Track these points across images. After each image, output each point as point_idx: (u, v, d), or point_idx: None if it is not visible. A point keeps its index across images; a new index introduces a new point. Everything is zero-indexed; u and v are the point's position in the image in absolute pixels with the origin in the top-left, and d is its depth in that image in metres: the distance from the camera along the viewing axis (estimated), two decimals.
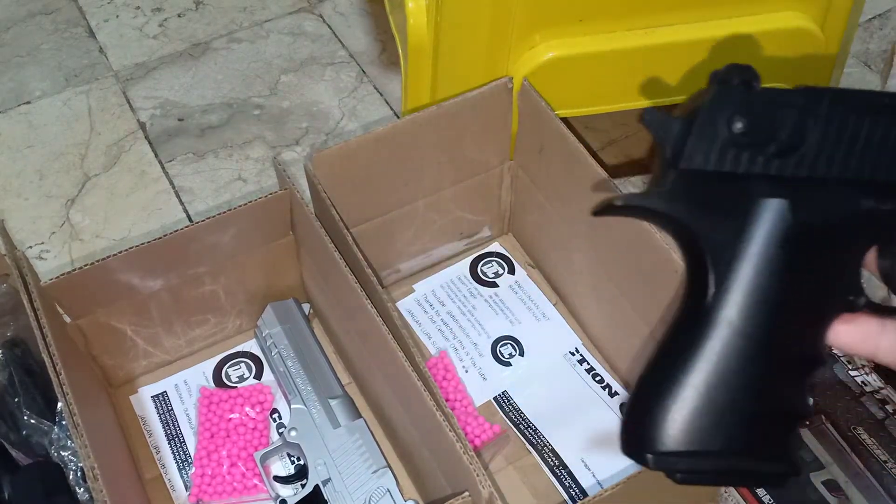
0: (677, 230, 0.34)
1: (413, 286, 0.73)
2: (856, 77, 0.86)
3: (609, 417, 0.65)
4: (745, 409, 0.33)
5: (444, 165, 0.64)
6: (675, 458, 0.32)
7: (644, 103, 0.67)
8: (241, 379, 0.66)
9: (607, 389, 0.66)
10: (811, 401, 0.34)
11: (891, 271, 0.34)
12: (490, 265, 0.74)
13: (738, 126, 0.31)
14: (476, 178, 0.67)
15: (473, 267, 0.74)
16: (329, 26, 0.93)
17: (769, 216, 0.32)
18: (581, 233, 0.64)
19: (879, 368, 0.64)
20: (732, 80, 0.32)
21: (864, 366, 0.65)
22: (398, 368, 0.48)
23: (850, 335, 0.34)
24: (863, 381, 0.64)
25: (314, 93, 0.88)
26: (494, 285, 0.73)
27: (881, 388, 0.64)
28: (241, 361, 0.66)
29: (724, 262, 0.32)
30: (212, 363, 0.67)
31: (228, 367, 0.66)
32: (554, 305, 0.72)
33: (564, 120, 0.63)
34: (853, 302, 0.33)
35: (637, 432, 0.34)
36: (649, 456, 0.33)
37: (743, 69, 0.32)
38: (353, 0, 0.96)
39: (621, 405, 0.65)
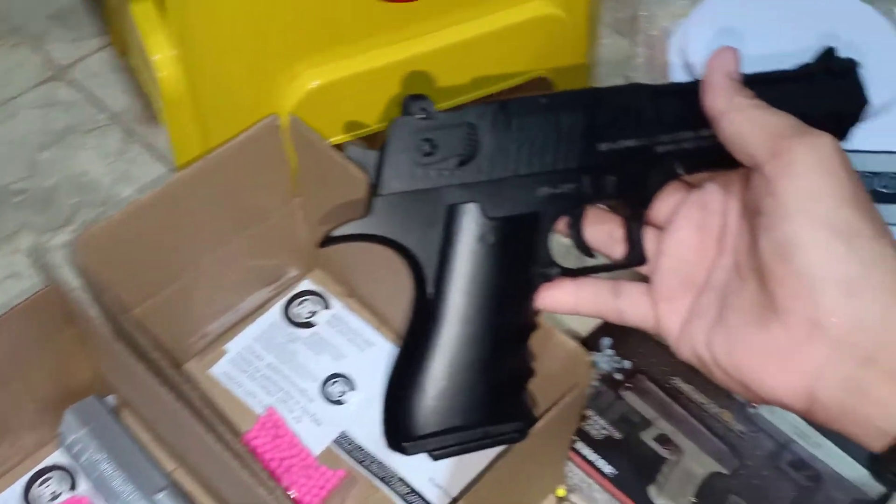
0: (392, 246, 0.39)
1: (225, 347, 0.69)
2: (610, 45, 0.90)
3: None
4: (479, 383, 0.38)
5: (225, 217, 0.61)
6: (426, 440, 0.38)
7: None
8: (55, 496, 0.59)
9: None
10: (532, 360, 0.40)
11: (577, 238, 0.41)
12: (303, 305, 0.72)
13: (423, 149, 0.37)
14: (264, 223, 0.64)
15: (286, 311, 0.71)
16: (83, 91, 0.87)
17: (463, 218, 0.38)
18: (380, 255, 0.63)
19: None
20: (411, 110, 0.38)
21: None
22: (210, 452, 0.45)
23: (553, 299, 0.41)
24: None
25: (79, 164, 0.81)
26: (311, 325, 0.70)
27: None
28: (51, 477, 0.60)
29: (435, 264, 0.38)
30: (19, 487, 0.60)
31: (38, 487, 0.60)
32: (377, 330, 0.70)
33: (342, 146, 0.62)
34: (548, 273, 0.39)
35: (392, 427, 0.40)
36: (405, 444, 0.39)
37: (417, 98, 0.38)
38: (104, 57, 0.90)
39: None
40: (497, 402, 0.39)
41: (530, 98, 0.39)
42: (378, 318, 0.70)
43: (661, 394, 0.64)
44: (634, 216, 0.40)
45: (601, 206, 0.42)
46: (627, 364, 0.65)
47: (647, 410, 0.63)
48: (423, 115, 0.37)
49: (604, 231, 0.42)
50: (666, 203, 0.41)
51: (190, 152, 0.63)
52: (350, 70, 0.62)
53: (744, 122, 0.36)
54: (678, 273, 0.39)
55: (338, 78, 0.62)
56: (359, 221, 0.38)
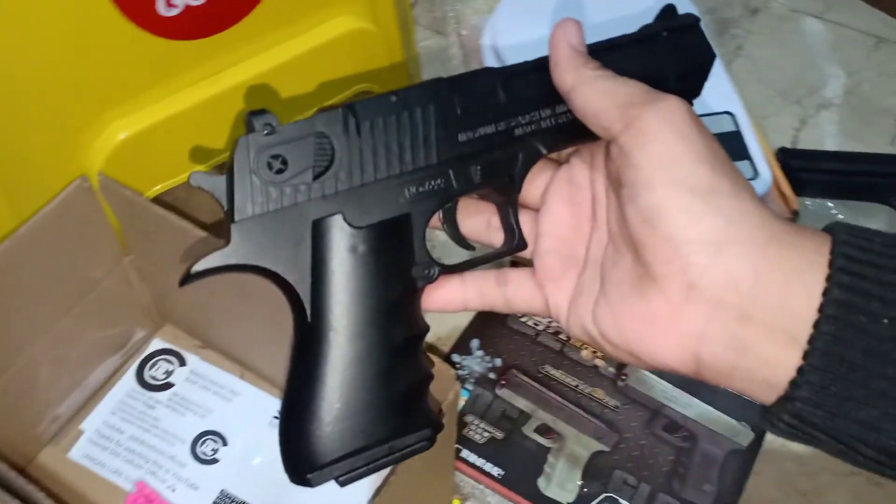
0: (260, 273, 0.36)
1: (81, 426, 0.64)
2: (432, 45, 0.90)
3: None
4: (377, 399, 0.36)
5: (52, 293, 0.57)
6: (332, 466, 0.36)
7: None
8: None
9: None
10: (430, 365, 0.38)
11: (453, 233, 0.40)
12: (157, 366, 0.68)
13: (273, 166, 0.35)
14: (96, 290, 0.60)
15: (140, 375, 0.67)
16: None
17: (330, 232, 0.36)
18: (231, 302, 0.60)
19: None
20: (255, 127, 0.35)
21: None
22: None
23: (440, 299, 0.39)
24: (534, 323, 0.68)
25: None
26: (169, 385, 0.67)
27: (550, 322, 0.68)
28: None
29: (308, 284, 0.36)
30: None
31: None
32: (240, 377, 0.67)
33: (163, 200, 0.58)
34: (429, 274, 0.38)
35: (292, 461, 0.37)
36: (309, 476, 0.36)
37: (259, 113, 0.35)
38: None
39: None
40: (399, 414, 0.37)
41: (379, 97, 0.37)
42: (240, 365, 0.67)
43: (535, 384, 0.64)
44: (508, 202, 0.39)
45: (472, 196, 0.40)
46: (498, 361, 0.66)
47: (524, 404, 0.63)
48: (268, 131, 0.35)
49: (481, 221, 0.41)
50: (536, 183, 0.40)
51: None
52: (160, 115, 0.59)
53: (593, 95, 0.35)
54: (558, 252, 0.39)
55: (148, 125, 0.58)
56: (219, 253, 0.35)
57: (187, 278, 0.36)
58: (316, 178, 0.35)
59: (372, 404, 0.36)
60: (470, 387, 0.64)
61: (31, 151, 0.56)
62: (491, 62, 0.64)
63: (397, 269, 0.37)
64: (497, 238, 0.41)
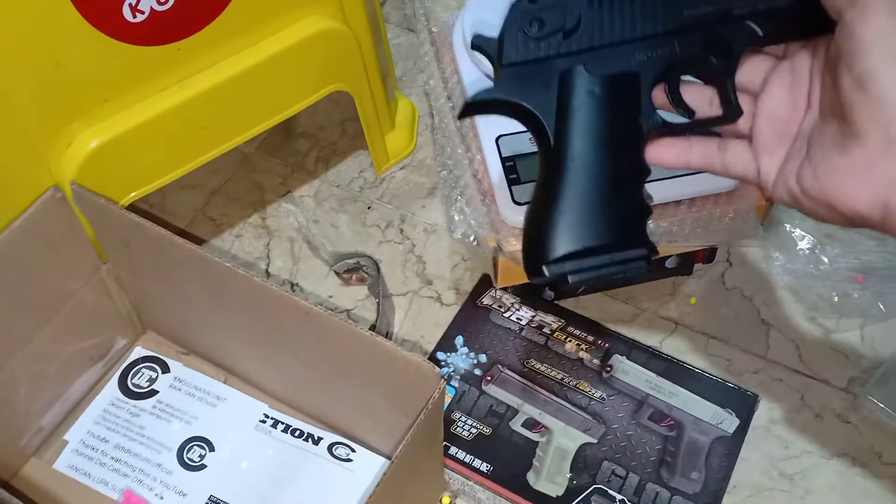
0: (515, 109, 0.44)
1: (65, 437, 0.64)
2: (404, 43, 0.89)
3: (322, 465, 0.62)
4: (604, 213, 0.43)
5: (27, 307, 0.56)
6: (563, 261, 0.43)
7: (216, 152, 0.64)
8: None
9: (310, 439, 0.64)
10: (650, 200, 0.45)
11: (677, 101, 0.45)
12: (140, 374, 0.67)
13: (533, 26, 0.43)
14: (72, 301, 0.60)
15: (123, 384, 0.67)
16: None
17: (574, 79, 0.44)
18: (211, 307, 0.60)
19: (525, 299, 0.68)
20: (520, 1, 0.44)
21: (512, 304, 0.68)
22: None
23: (670, 153, 0.46)
24: (517, 318, 0.68)
25: None
26: (154, 392, 0.66)
27: (533, 317, 0.68)
28: None
29: (553, 119, 0.44)
30: None
31: None
32: (224, 382, 0.67)
33: (138, 207, 0.58)
34: (653, 123, 0.44)
35: (531, 256, 0.44)
36: (544, 267, 0.43)
37: None
38: None
39: (329, 446, 0.63)
40: (621, 230, 0.44)
41: None
42: (223, 369, 0.67)
43: (521, 379, 0.64)
44: (727, 73, 0.45)
45: (696, 80, 0.47)
46: (483, 357, 0.65)
47: (510, 399, 0.63)
48: (530, 0, 0.44)
49: (704, 98, 0.46)
50: (757, 70, 0.45)
51: None
52: (131, 122, 0.58)
53: None
54: (774, 129, 0.44)
55: (119, 132, 0.58)
56: (489, 89, 0.44)
57: (465, 110, 0.44)
58: (565, 36, 0.44)
59: (599, 216, 0.43)
60: (455, 384, 0.64)
61: (1, 163, 0.55)
62: (463, 58, 0.63)
63: (626, 114, 0.44)
64: (718, 114, 0.46)
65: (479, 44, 0.45)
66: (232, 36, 0.59)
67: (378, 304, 0.70)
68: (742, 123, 0.46)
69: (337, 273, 0.73)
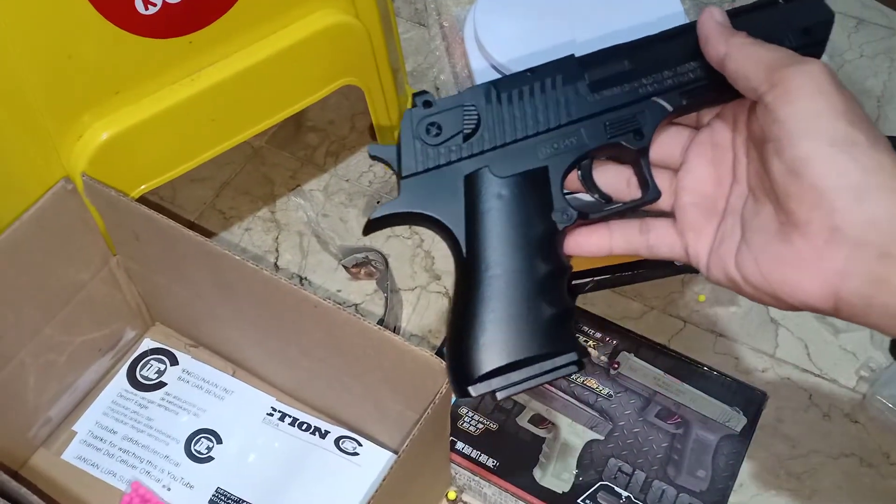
0: (423, 220, 0.44)
1: (73, 428, 0.64)
2: (415, 37, 0.89)
3: (329, 458, 0.62)
4: (527, 322, 0.42)
5: (37, 298, 0.56)
6: (489, 380, 0.42)
7: (227, 145, 0.64)
8: None
9: (317, 433, 0.64)
10: (572, 301, 0.45)
11: (591, 187, 0.45)
12: (149, 366, 0.67)
13: (431, 132, 0.43)
14: (82, 293, 0.60)
15: (131, 376, 0.67)
16: None
17: (479, 183, 0.43)
18: (220, 300, 0.60)
19: None
20: (415, 103, 0.44)
21: None
22: None
23: (590, 244, 0.45)
24: None
25: None
26: (162, 384, 0.66)
27: None
28: None
29: (462, 227, 0.43)
30: None
31: None
32: (233, 375, 0.67)
33: (149, 200, 0.58)
34: (567, 217, 0.43)
35: (455, 377, 0.44)
36: (469, 388, 0.43)
37: (419, 94, 0.44)
38: None
39: (336, 440, 0.63)
40: (547, 338, 0.42)
41: (516, 74, 0.45)
42: (231, 362, 0.67)
43: None
44: (640, 154, 0.44)
45: (607, 160, 0.46)
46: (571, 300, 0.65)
47: (518, 396, 0.63)
48: (426, 105, 0.43)
49: (620, 180, 0.45)
50: (673, 144, 0.45)
51: None
52: (142, 114, 0.58)
53: (743, 60, 0.39)
54: (699, 206, 0.43)
55: (131, 125, 0.58)
56: (390, 203, 0.43)
57: (368, 226, 0.44)
58: (465, 139, 0.43)
59: (521, 327, 0.42)
60: None
61: (12, 155, 0.55)
62: (474, 53, 0.63)
63: (538, 212, 0.43)
64: (636, 195, 0.45)
65: (376, 154, 0.44)
66: (243, 29, 0.59)
67: (386, 298, 0.70)
68: (664, 202, 0.44)
69: (345, 267, 0.73)
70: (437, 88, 0.66)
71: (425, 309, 0.71)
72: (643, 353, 0.65)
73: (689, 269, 0.70)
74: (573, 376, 0.64)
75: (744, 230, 0.40)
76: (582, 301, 0.70)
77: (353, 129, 0.83)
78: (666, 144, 0.44)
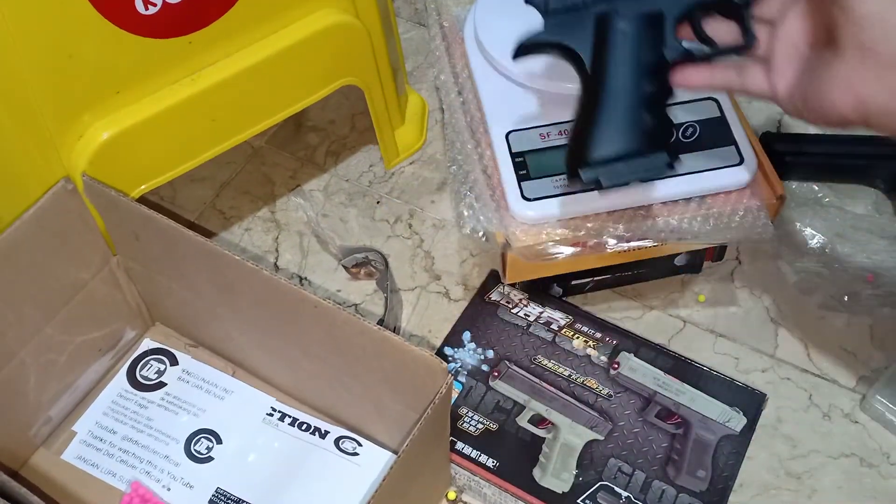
0: (558, 48, 0.52)
1: (73, 428, 0.64)
2: (415, 37, 0.89)
3: (328, 458, 0.62)
4: (632, 127, 0.51)
5: (37, 298, 0.56)
6: (597, 166, 0.51)
7: (227, 145, 0.64)
8: None
9: (317, 433, 0.64)
10: (672, 121, 0.56)
11: (701, 35, 0.52)
12: (149, 366, 0.67)
13: None
14: (82, 293, 0.60)
15: (131, 375, 0.67)
16: None
17: (606, 20, 0.51)
18: (220, 300, 0.60)
19: (533, 295, 0.68)
20: None
21: (520, 300, 0.68)
22: None
23: (695, 77, 0.52)
24: (525, 314, 0.68)
25: None
26: (161, 385, 0.66)
27: (541, 313, 0.68)
28: None
29: (590, 53, 0.51)
30: None
31: None
32: (232, 375, 0.67)
33: (149, 200, 0.58)
34: (677, 52, 0.51)
35: (571, 163, 0.53)
36: (580, 171, 0.51)
37: None
38: None
39: (336, 440, 0.63)
40: (646, 139, 0.51)
41: None
42: (231, 362, 0.67)
43: (528, 375, 0.64)
44: (744, 9, 0.50)
45: (717, 13, 0.52)
46: (491, 353, 0.65)
47: (517, 395, 0.63)
48: None
49: (726, 32, 0.52)
50: (775, 2, 0.50)
51: None
52: (142, 114, 0.58)
53: None
54: (788, 54, 0.49)
55: (131, 124, 0.58)
56: (538, 32, 0.51)
57: (518, 50, 0.52)
58: None
59: (627, 129, 0.51)
60: (463, 379, 0.64)
61: (12, 154, 0.56)
62: (474, 53, 0.63)
63: (652, 46, 0.51)
64: (738, 43, 0.52)
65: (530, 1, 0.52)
66: (243, 29, 0.59)
67: (386, 298, 0.70)
68: (760, 50, 0.51)
69: (345, 267, 0.73)
70: (437, 89, 0.66)
71: (425, 309, 0.71)
72: (643, 354, 0.65)
73: (689, 269, 0.70)
74: (573, 376, 0.64)
75: (810, 66, 0.48)
76: (582, 301, 0.70)
77: (353, 128, 0.83)
78: (770, 3, 0.51)
